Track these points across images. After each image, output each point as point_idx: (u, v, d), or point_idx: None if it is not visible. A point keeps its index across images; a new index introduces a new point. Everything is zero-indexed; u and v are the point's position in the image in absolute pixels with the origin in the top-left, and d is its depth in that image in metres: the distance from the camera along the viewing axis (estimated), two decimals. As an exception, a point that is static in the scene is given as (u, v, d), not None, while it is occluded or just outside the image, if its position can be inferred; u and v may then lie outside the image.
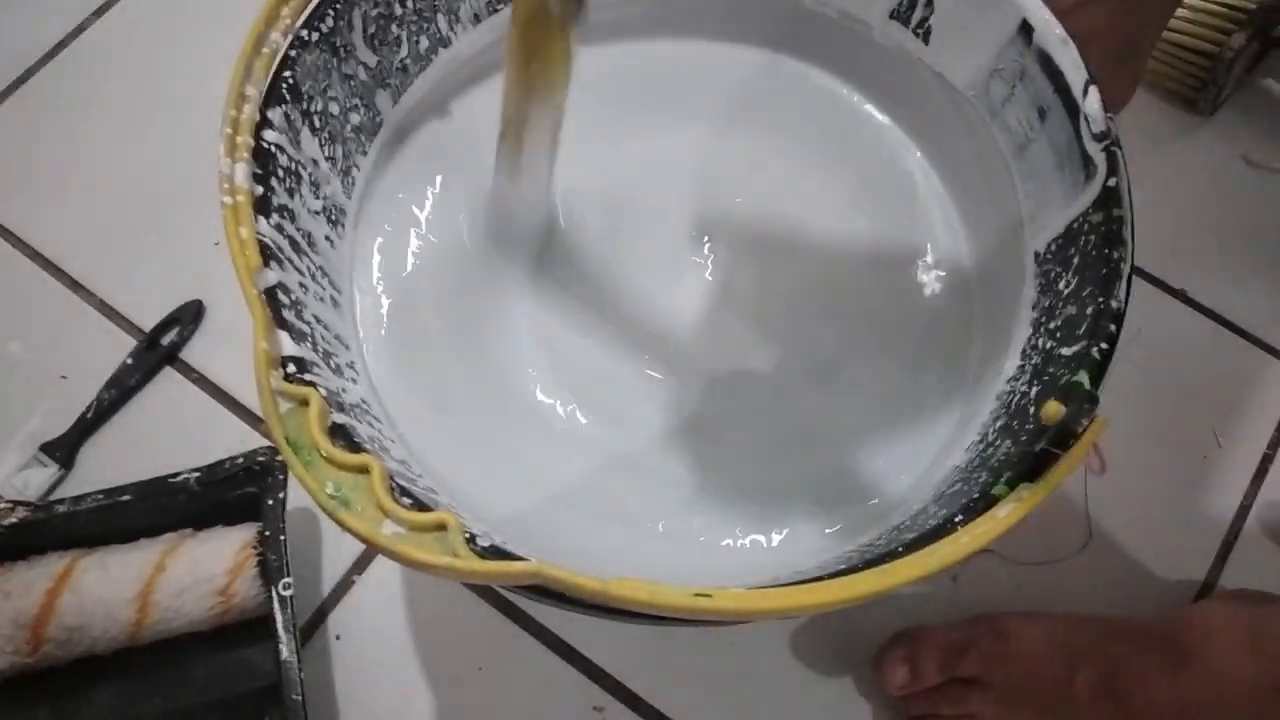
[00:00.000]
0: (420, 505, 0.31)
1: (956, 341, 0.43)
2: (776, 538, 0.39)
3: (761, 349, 0.44)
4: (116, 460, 0.55)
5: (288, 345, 0.32)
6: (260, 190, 0.35)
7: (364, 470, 0.30)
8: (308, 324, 0.35)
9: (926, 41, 0.44)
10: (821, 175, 0.47)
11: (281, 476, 0.49)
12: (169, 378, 0.57)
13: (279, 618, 0.47)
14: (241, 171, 0.34)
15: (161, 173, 0.62)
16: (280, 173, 0.36)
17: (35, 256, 0.60)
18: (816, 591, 0.29)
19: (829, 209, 0.46)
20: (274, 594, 0.47)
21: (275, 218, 0.35)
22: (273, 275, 0.33)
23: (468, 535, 0.30)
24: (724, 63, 0.49)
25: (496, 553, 0.30)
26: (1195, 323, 0.61)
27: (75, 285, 0.59)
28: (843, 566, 0.32)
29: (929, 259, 0.45)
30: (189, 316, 0.58)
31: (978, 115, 0.43)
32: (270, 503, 0.49)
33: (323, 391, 0.32)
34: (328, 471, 0.30)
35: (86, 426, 0.56)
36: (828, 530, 0.39)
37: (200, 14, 0.68)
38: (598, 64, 0.46)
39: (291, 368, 0.32)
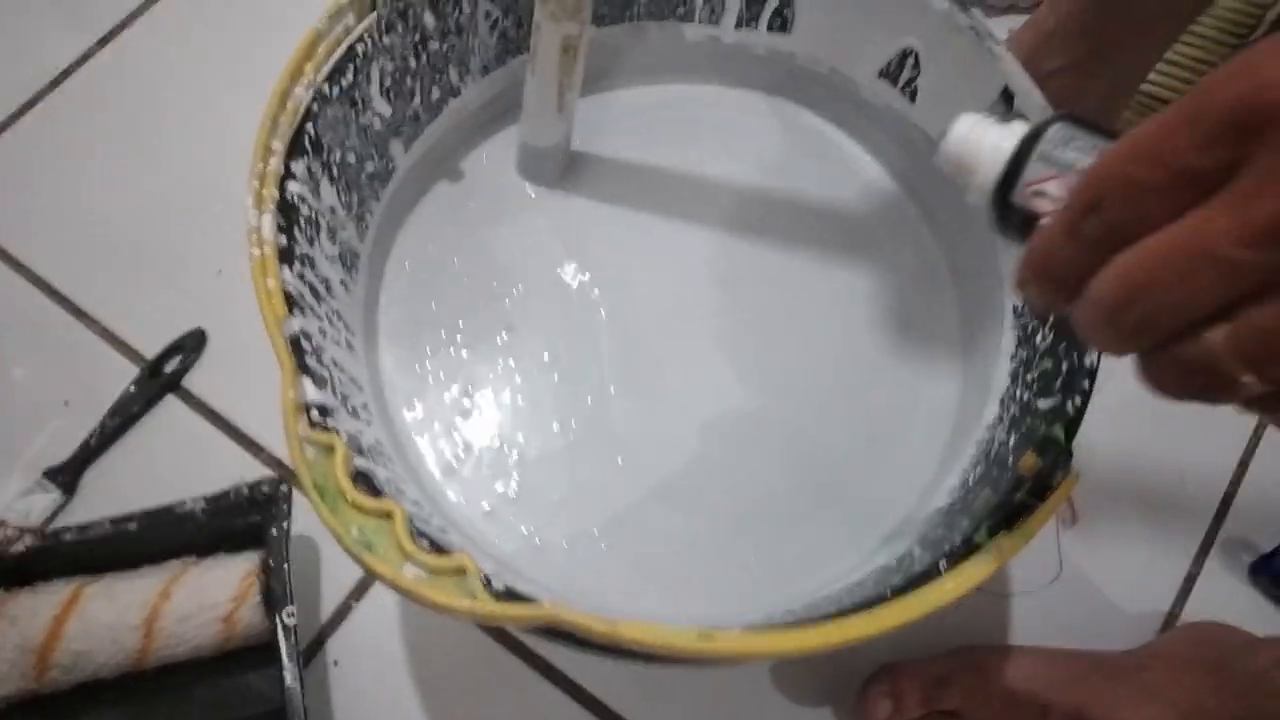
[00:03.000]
0: (437, 547, 0.33)
1: (938, 386, 0.46)
2: (769, 576, 0.41)
3: (740, 386, 0.46)
4: (118, 487, 0.56)
5: (311, 392, 0.34)
6: (284, 240, 0.36)
7: (387, 515, 0.32)
8: (327, 368, 0.37)
9: (913, 101, 0.46)
10: (814, 218, 0.49)
11: (285, 506, 0.51)
12: (171, 406, 0.58)
13: (283, 645, 0.48)
14: (268, 223, 0.35)
15: (164, 201, 0.64)
16: (302, 222, 0.37)
17: (39, 283, 0.61)
18: (810, 635, 0.31)
19: (818, 252, 0.48)
20: (278, 622, 0.48)
21: (297, 266, 0.37)
22: (296, 323, 0.35)
23: (484, 578, 0.32)
24: (723, 102, 0.51)
25: (511, 595, 0.32)
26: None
27: (79, 313, 0.60)
28: (832, 610, 0.34)
29: (914, 306, 0.47)
30: (191, 345, 0.59)
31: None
32: (274, 532, 0.50)
33: (344, 436, 0.34)
34: (353, 516, 0.32)
35: (89, 453, 0.57)
36: (815, 570, 0.42)
37: (202, 43, 0.69)
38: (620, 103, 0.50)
39: (315, 413, 0.34)
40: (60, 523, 0.55)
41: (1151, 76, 0.64)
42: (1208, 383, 0.22)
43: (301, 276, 0.37)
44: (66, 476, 0.56)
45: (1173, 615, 0.57)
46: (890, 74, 0.46)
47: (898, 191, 0.49)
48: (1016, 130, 0.29)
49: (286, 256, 0.36)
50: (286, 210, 0.37)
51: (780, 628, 0.32)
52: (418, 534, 0.33)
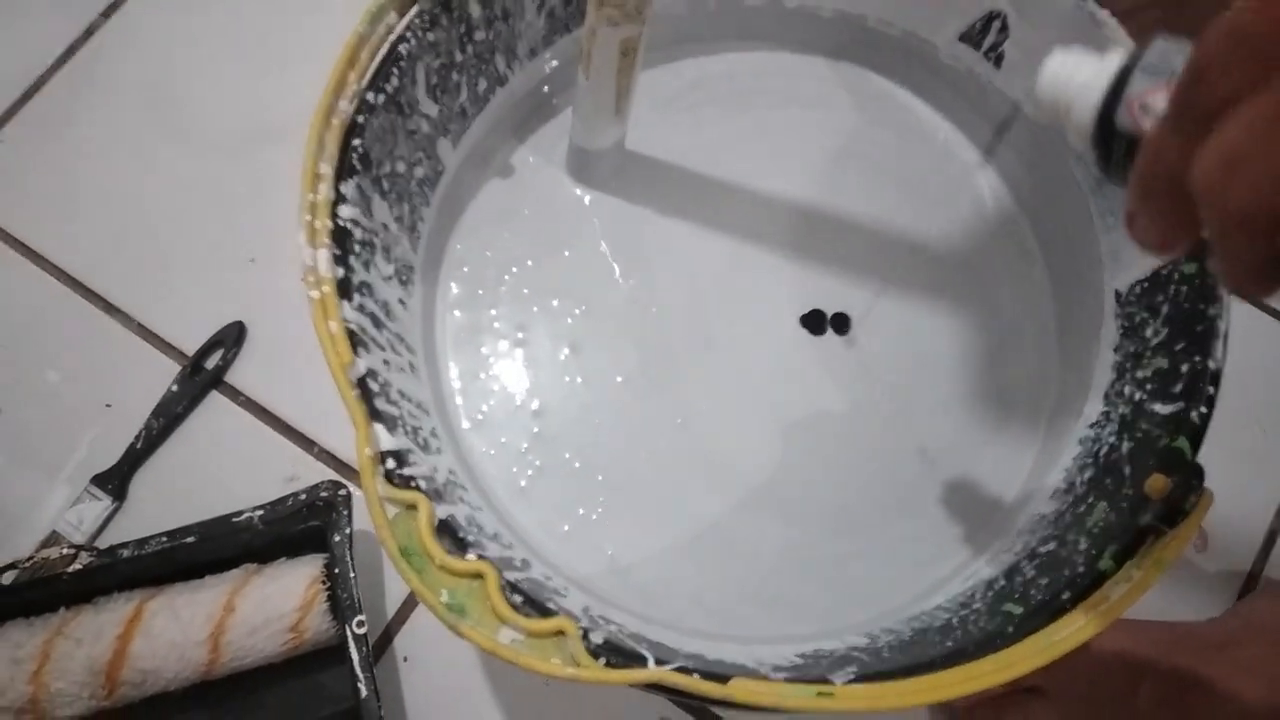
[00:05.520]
0: (531, 601, 0.31)
1: (1028, 373, 0.43)
2: (865, 587, 0.39)
3: (831, 385, 0.43)
4: (169, 489, 0.55)
5: (385, 439, 0.32)
6: (340, 271, 0.34)
7: (478, 575, 0.30)
8: (395, 404, 0.34)
9: (998, 66, 0.43)
10: (887, 186, 0.46)
11: (345, 511, 0.49)
12: (216, 402, 0.56)
13: (355, 655, 0.47)
14: (324, 259, 0.33)
15: (190, 186, 0.60)
16: (356, 248, 0.35)
17: (65, 278, 0.58)
18: (936, 684, 0.30)
19: (898, 232, 0.45)
20: (349, 632, 0.47)
21: (356, 298, 0.34)
22: (362, 363, 0.33)
23: (582, 631, 0.30)
24: (785, 69, 0.47)
25: (613, 650, 0.30)
26: (1237, 309, 0.60)
27: (110, 309, 0.58)
28: (947, 643, 0.32)
29: (1003, 289, 0.44)
30: (231, 339, 0.57)
31: (1052, 145, 0.42)
32: (337, 538, 0.49)
33: (423, 485, 0.32)
34: (442, 580, 0.30)
35: (136, 456, 0.55)
36: (915, 569, 0.40)
37: (216, 6, 0.65)
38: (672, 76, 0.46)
39: (391, 463, 0.32)
40: (113, 529, 0.54)
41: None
42: None
43: (361, 308, 0.34)
44: (116, 482, 0.55)
45: (1253, 575, 0.56)
46: (973, 38, 0.42)
47: (979, 160, 0.46)
48: (1114, 58, 0.27)
49: (344, 289, 0.33)
50: (340, 238, 0.34)
51: (902, 677, 0.30)
52: (510, 589, 0.31)
